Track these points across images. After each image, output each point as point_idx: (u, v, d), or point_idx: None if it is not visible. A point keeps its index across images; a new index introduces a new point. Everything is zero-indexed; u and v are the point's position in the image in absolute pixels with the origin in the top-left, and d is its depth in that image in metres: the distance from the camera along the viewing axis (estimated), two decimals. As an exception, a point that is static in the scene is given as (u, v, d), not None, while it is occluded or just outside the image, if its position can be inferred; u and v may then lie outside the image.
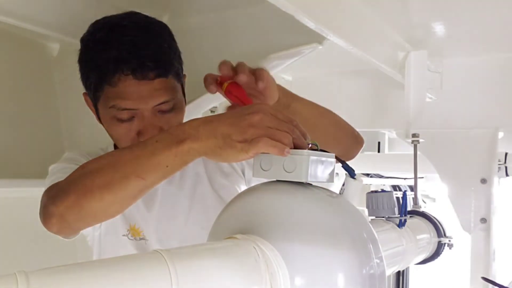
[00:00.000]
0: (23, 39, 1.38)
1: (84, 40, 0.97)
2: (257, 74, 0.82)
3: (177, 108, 0.96)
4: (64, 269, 0.44)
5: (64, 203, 0.75)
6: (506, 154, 1.94)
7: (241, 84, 0.80)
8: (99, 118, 0.99)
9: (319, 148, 0.65)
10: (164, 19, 1.31)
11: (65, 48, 1.45)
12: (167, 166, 0.69)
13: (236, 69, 0.82)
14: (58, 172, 0.92)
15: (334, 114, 1.06)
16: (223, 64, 0.82)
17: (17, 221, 1.38)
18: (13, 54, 1.37)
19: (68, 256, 1.45)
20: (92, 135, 1.20)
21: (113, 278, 0.45)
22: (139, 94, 0.90)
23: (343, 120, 1.08)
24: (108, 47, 0.91)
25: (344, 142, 1.08)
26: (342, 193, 0.68)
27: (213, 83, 0.82)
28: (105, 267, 0.46)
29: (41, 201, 0.83)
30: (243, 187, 1.12)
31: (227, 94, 0.81)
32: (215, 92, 0.83)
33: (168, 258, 0.48)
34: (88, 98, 1.01)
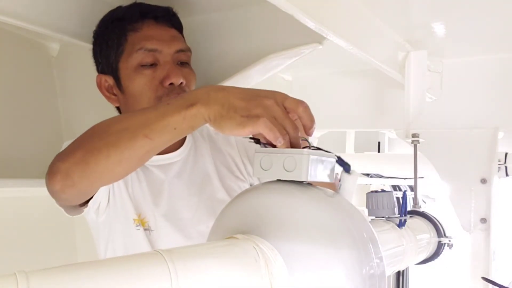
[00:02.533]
0: (23, 39, 1.38)
1: (100, 21, 1.06)
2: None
3: (191, 68, 1.06)
4: (64, 269, 0.44)
5: (71, 159, 0.76)
6: (506, 154, 1.94)
7: None
8: (118, 87, 1.02)
9: (310, 144, 0.66)
10: (164, 19, 1.32)
11: (65, 48, 1.45)
12: (175, 129, 0.70)
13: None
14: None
15: None
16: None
17: (17, 221, 1.38)
18: (13, 54, 1.37)
19: (68, 256, 1.45)
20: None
21: (113, 278, 0.45)
22: (161, 37, 1.01)
23: None
24: (128, 6, 1.04)
25: None
26: (339, 189, 0.68)
27: None
28: (105, 267, 0.46)
29: (50, 164, 0.84)
30: None
31: None
32: None
33: (168, 258, 0.48)
34: (102, 77, 1.05)
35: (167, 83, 0.98)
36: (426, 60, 1.46)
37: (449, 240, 1.27)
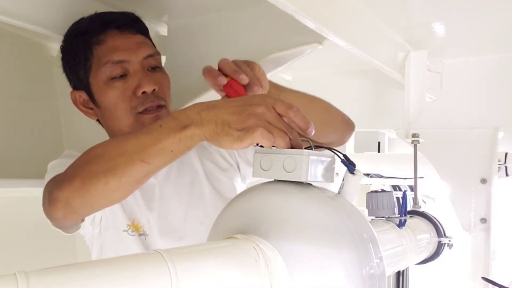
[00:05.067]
0: (23, 39, 1.38)
1: (65, 36, 1.05)
2: (253, 69, 0.85)
3: (163, 71, 1.04)
4: (64, 269, 0.44)
5: (69, 187, 0.76)
6: (506, 154, 1.94)
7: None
8: (93, 102, 1.02)
9: (312, 144, 0.65)
10: (164, 19, 1.32)
11: (65, 48, 1.45)
12: (171, 151, 0.70)
13: (236, 67, 0.82)
14: (58, 166, 0.93)
15: (323, 100, 1.08)
16: (224, 62, 0.83)
17: (17, 221, 1.38)
18: (13, 54, 1.37)
19: (68, 256, 1.45)
20: (92, 135, 1.20)
21: (113, 278, 0.45)
22: (127, 46, 0.99)
23: (333, 106, 1.10)
24: (89, 17, 1.02)
25: (335, 127, 1.10)
26: (341, 188, 0.68)
27: (220, 75, 0.82)
28: (105, 267, 0.46)
29: (45, 190, 0.84)
30: (239, 182, 1.14)
31: (227, 88, 0.82)
32: (225, 83, 0.83)
33: (168, 258, 0.48)
34: (76, 93, 1.04)
35: (139, 92, 0.97)
36: (426, 60, 1.46)
37: (449, 240, 1.28)
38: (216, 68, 0.83)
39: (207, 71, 0.83)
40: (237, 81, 0.81)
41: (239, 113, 0.65)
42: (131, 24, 1.02)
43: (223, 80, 0.82)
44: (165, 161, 0.73)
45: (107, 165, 0.73)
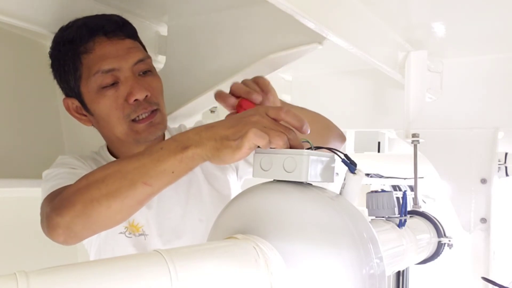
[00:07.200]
0: (23, 39, 1.38)
1: (53, 42, 1.03)
2: (263, 87, 0.85)
3: (155, 73, 1.04)
4: (64, 269, 0.44)
5: (70, 213, 0.75)
6: (506, 154, 1.94)
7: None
8: (86, 110, 1.02)
9: (312, 145, 0.66)
10: (164, 19, 1.32)
11: (65, 48, 1.45)
12: (173, 172, 0.71)
13: (247, 89, 0.83)
14: (53, 178, 0.93)
15: (325, 118, 1.12)
16: (235, 86, 0.84)
17: (17, 221, 1.38)
18: (13, 54, 1.37)
19: (68, 256, 1.45)
20: (92, 135, 1.20)
21: (113, 278, 0.45)
22: (116, 53, 0.97)
23: (332, 123, 1.15)
24: (76, 24, 1.00)
25: (332, 143, 1.14)
26: (343, 188, 0.68)
27: (230, 106, 0.84)
28: (105, 267, 0.46)
29: (43, 211, 0.83)
30: (234, 180, 1.15)
31: (238, 108, 0.83)
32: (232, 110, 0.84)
33: (168, 258, 0.48)
34: (69, 101, 1.03)
35: (131, 100, 0.96)
36: (426, 60, 1.46)
37: (449, 240, 1.27)
38: (228, 91, 0.84)
39: (218, 95, 0.84)
40: (248, 101, 0.82)
41: (235, 125, 0.67)
42: (119, 29, 1.00)
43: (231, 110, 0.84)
44: (167, 183, 0.73)
45: (109, 189, 0.73)
